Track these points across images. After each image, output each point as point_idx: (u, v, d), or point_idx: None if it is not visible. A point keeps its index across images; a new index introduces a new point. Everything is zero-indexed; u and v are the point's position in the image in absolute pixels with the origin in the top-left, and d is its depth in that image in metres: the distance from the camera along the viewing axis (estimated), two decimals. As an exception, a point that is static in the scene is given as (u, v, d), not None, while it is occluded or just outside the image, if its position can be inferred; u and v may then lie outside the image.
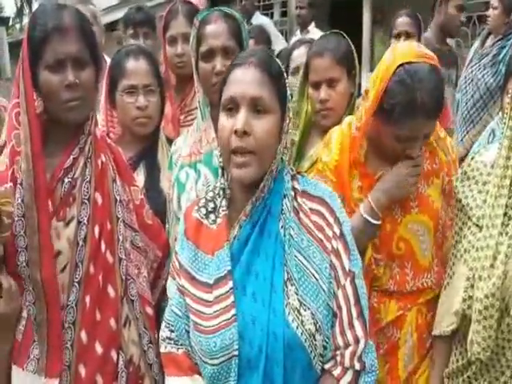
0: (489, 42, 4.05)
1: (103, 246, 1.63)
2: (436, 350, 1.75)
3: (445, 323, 1.68)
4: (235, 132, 1.31)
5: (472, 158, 1.70)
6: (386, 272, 1.74)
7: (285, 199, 1.39)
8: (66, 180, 1.60)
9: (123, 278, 1.67)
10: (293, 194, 1.41)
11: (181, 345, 1.46)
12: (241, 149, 1.32)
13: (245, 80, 1.34)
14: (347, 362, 1.36)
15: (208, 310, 1.36)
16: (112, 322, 1.63)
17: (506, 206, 1.54)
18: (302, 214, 1.40)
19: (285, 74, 1.42)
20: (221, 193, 1.45)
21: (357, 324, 1.37)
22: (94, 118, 1.67)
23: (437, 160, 1.79)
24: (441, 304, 1.72)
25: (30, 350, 1.57)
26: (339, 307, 1.38)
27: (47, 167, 1.58)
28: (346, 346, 1.37)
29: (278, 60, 1.43)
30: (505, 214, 1.54)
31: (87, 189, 1.62)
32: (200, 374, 1.41)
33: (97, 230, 1.62)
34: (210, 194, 1.49)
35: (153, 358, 1.74)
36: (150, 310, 1.77)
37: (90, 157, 1.64)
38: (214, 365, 1.34)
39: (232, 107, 1.34)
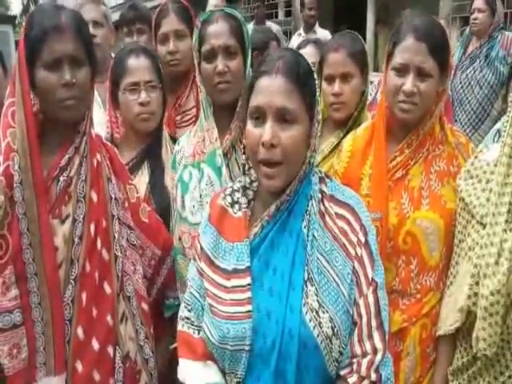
0: (473, 44, 4.23)
1: (99, 244, 1.63)
2: (439, 348, 1.75)
3: (449, 321, 1.67)
4: (262, 144, 1.30)
5: (475, 157, 1.71)
6: (392, 269, 1.73)
7: (311, 200, 1.37)
8: (62, 179, 1.60)
9: (119, 274, 1.67)
10: (320, 196, 1.40)
11: (198, 326, 1.46)
12: (268, 160, 1.31)
13: (271, 90, 1.31)
14: (364, 371, 1.33)
15: (224, 296, 1.36)
16: (108, 318, 1.63)
17: (510, 204, 1.53)
18: (327, 218, 1.38)
19: (314, 74, 1.38)
20: (243, 190, 1.46)
21: (376, 335, 1.35)
22: (89, 118, 1.67)
23: (455, 162, 1.78)
24: (445, 303, 1.72)
25: (36, 360, 1.55)
26: (360, 316, 1.35)
27: (43, 166, 1.57)
28: (364, 355, 1.34)
29: (306, 60, 1.39)
30: (508, 212, 1.53)
31: (82, 187, 1.63)
32: (214, 360, 1.40)
33: (92, 227, 1.62)
34: (237, 184, 1.49)
35: (149, 353, 1.76)
36: (145, 306, 1.78)
37: (85, 156, 1.65)
38: (225, 349, 1.33)
39: (259, 116, 1.33)
